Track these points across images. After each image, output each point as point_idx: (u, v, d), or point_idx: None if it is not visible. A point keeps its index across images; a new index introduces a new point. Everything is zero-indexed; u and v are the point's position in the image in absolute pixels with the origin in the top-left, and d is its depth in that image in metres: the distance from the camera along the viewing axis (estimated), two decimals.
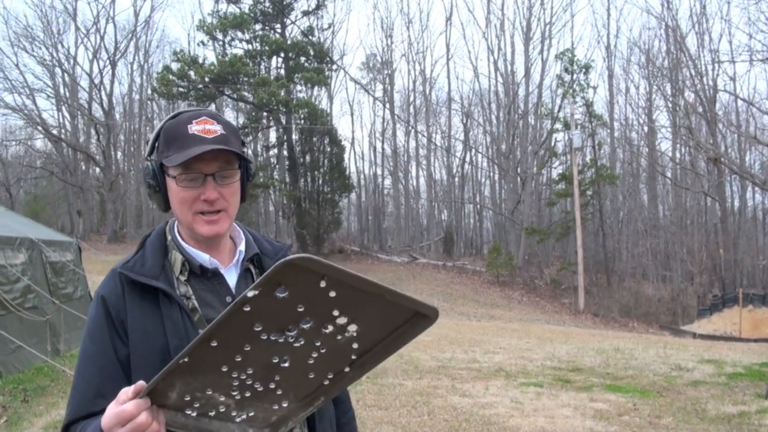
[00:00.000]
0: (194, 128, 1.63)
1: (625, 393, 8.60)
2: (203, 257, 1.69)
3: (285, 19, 42.54)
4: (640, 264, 40.44)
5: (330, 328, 1.09)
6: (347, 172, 44.46)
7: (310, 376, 1.20)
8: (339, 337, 1.11)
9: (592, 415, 7.49)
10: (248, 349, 1.10)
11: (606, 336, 18.67)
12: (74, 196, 50.78)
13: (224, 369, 1.14)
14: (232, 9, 42.39)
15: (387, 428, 6.96)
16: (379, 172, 55.03)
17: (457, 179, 53.33)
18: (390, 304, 1.09)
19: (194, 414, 1.24)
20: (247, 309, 1.03)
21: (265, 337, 1.08)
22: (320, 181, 42.42)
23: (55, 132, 49.19)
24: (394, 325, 1.15)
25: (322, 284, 1.01)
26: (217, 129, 1.64)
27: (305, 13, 44.07)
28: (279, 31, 42.91)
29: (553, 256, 45.15)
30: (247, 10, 41.83)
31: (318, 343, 1.12)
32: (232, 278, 1.73)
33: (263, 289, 1.00)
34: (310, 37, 42.74)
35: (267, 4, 42.05)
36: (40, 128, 48.80)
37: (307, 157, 42.38)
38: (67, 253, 13.06)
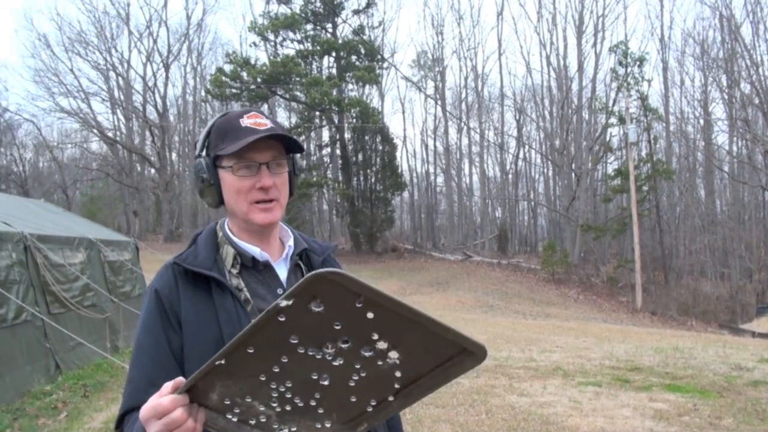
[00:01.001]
0: (246, 122, 1.72)
1: (685, 393, 8.53)
2: (254, 250, 1.77)
3: (336, 19, 42.77)
4: (697, 261, 39.64)
5: (370, 351, 1.07)
6: (399, 171, 44.49)
7: (352, 399, 1.17)
8: (380, 363, 1.09)
9: (652, 415, 7.46)
10: (285, 361, 1.11)
11: (664, 335, 18.41)
12: (130, 196, 51.90)
13: (262, 378, 1.15)
14: (283, 10, 42.84)
15: (444, 426, 7.02)
16: (431, 169, 54.99)
17: (510, 176, 52.97)
18: (433, 335, 1.06)
19: (235, 419, 1.25)
20: (282, 319, 1.04)
21: (302, 351, 1.08)
22: (373, 180, 42.53)
23: (110, 134, 50.37)
24: (439, 358, 1.10)
25: (358, 303, 1.01)
26: (268, 123, 1.73)
27: (356, 12, 44.27)
28: (330, 30, 43.17)
29: (609, 254, 44.53)
30: (298, 11, 42.18)
31: (358, 366, 1.10)
32: (282, 272, 1.81)
33: (297, 299, 1.02)
34: (361, 36, 42.90)
35: (318, 4, 42.32)
36: (95, 131, 49.99)
37: (360, 156, 42.55)
38: (125, 252, 13.39)
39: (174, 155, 54.48)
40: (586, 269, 37.49)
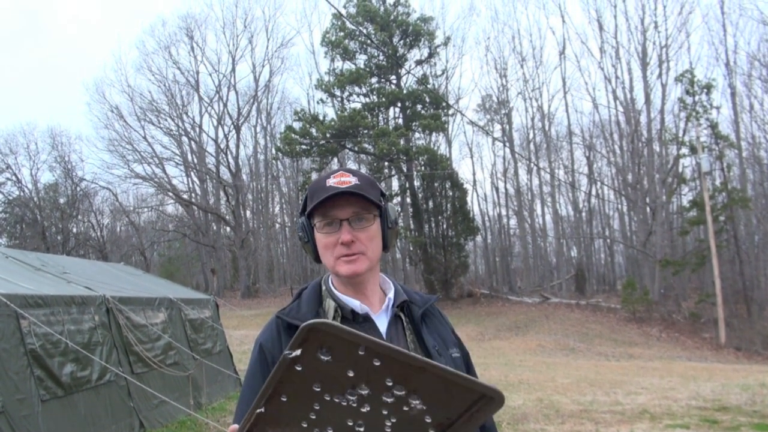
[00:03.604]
0: (331, 181, 1.80)
1: None
2: (354, 303, 1.83)
3: (399, 70, 43.32)
4: None
5: (390, 398, 1.08)
6: (471, 215, 44.31)
7: None
8: (406, 408, 1.10)
9: None
10: (318, 408, 1.12)
11: (750, 371, 17.82)
12: (207, 255, 53.05)
13: (304, 425, 1.16)
14: (348, 65, 43.63)
15: None
16: (503, 212, 54.61)
17: (584, 214, 52.32)
18: (446, 381, 1.07)
19: None
20: (299, 369, 1.07)
21: (328, 398, 1.10)
22: (444, 226, 42.41)
23: (185, 196, 51.64)
24: (462, 403, 1.11)
25: (361, 352, 1.04)
26: (352, 180, 1.80)
27: (419, 63, 44.70)
28: (394, 82, 43.68)
29: (689, 288, 43.35)
30: (362, 65, 42.93)
31: (385, 412, 1.11)
32: (382, 324, 1.85)
33: (304, 349, 1.05)
34: (425, 85, 43.30)
35: (381, 58, 42.99)
36: (170, 194, 51.36)
37: (430, 203, 42.57)
38: (205, 310, 13.60)
39: (248, 213, 55.60)
40: (667, 306, 36.51)
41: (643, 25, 43.55)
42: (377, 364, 1.04)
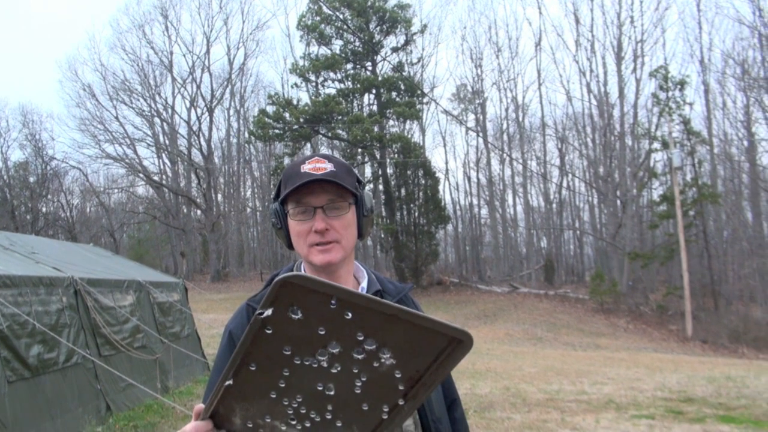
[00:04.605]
0: (306, 167, 1.76)
1: (739, 424, 8.34)
2: None
3: (375, 57, 43.22)
4: (747, 286, 38.80)
5: (361, 353, 1.07)
6: (443, 204, 44.45)
7: (364, 407, 1.16)
8: (376, 364, 1.09)
9: None
10: (287, 374, 1.11)
11: (716, 363, 18.07)
12: (177, 238, 52.71)
13: (273, 395, 1.15)
14: (324, 51, 43.56)
15: None
16: (474, 201, 54.89)
17: (554, 205, 52.69)
18: (416, 328, 1.05)
19: None
20: (270, 331, 1.05)
21: (298, 362, 1.09)
22: (416, 214, 42.51)
23: (156, 178, 51.25)
24: (432, 352, 1.09)
25: (333, 305, 1.02)
26: (328, 167, 1.76)
27: (394, 50, 44.65)
28: (370, 68, 43.62)
29: (657, 281, 43.84)
30: (338, 51, 42.80)
31: (356, 370, 1.10)
32: None
33: (275, 308, 1.03)
34: (401, 73, 43.25)
35: (357, 44, 42.89)
36: (141, 175, 50.93)
37: (403, 191, 42.62)
38: (174, 293, 13.53)
39: (219, 196, 55.24)
40: (634, 298, 36.90)
41: (619, 19, 43.85)
42: (349, 317, 1.03)
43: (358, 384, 1.12)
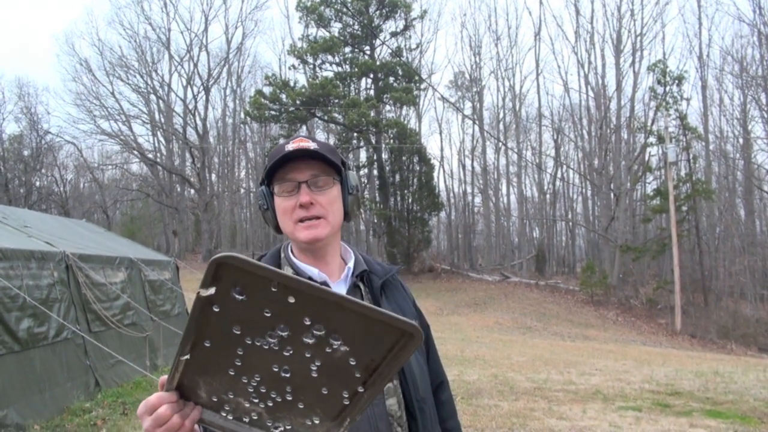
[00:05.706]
0: (290, 146, 1.76)
1: (726, 419, 8.38)
2: (312, 270, 1.80)
3: (374, 41, 43.09)
4: (737, 282, 38.91)
5: (311, 338, 1.06)
6: (437, 191, 44.48)
7: (323, 391, 1.16)
8: (329, 350, 1.08)
9: None
10: (242, 353, 1.11)
11: (704, 358, 18.16)
12: (170, 216, 52.54)
13: (231, 373, 1.15)
14: (322, 33, 43.45)
15: None
16: (468, 190, 54.84)
17: (548, 196, 52.63)
18: (365, 318, 1.04)
19: (230, 417, 1.25)
20: (217, 309, 1.04)
21: (250, 342, 1.08)
22: (410, 200, 42.54)
23: (150, 156, 51.02)
24: (384, 341, 1.09)
25: (274, 288, 1.00)
26: (311, 146, 1.76)
27: (393, 35, 44.55)
28: (368, 52, 43.52)
29: (648, 275, 43.93)
30: (336, 34, 42.67)
31: (308, 354, 1.09)
32: (341, 291, 1.83)
33: (218, 288, 1.01)
34: (399, 57, 43.13)
35: (356, 27, 42.79)
36: (136, 153, 50.70)
37: (397, 177, 42.62)
38: (165, 271, 13.54)
39: (213, 176, 55.14)
40: (625, 291, 37.04)
41: (619, 12, 43.73)
42: (292, 301, 1.01)
43: (314, 368, 1.11)
